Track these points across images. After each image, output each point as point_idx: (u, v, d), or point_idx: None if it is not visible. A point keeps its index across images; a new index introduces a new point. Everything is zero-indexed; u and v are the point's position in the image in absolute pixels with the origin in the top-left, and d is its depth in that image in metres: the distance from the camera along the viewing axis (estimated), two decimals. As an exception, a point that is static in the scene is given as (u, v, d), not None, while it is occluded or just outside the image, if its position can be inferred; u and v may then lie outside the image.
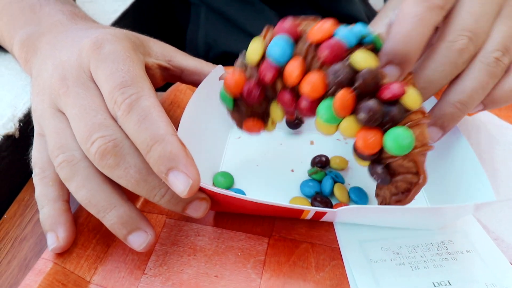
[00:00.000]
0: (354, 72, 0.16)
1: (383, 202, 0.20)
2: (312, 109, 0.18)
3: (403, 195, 0.19)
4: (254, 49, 0.19)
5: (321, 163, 0.26)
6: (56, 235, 0.19)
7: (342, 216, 0.21)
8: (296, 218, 0.23)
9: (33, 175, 0.21)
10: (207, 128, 0.26)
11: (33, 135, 0.22)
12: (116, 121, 0.18)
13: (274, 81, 0.20)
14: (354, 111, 0.17)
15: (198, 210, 0.19)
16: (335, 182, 0.25)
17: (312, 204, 0.23)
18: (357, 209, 0.19)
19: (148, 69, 0.23)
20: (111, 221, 0.18)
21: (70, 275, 0.19)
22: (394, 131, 0.16)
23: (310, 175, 0.26)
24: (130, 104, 0.17)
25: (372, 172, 0.19)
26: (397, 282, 0.19)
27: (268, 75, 0.19)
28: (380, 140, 0.17)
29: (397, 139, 0.16)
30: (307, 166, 0.27)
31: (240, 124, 0.23)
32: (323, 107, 0.17)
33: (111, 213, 0.18)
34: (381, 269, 0.20)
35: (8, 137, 0.26)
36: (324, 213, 0.20)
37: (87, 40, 0.20)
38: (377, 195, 0.21)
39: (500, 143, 0.28)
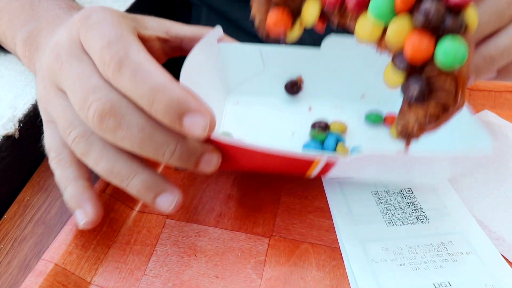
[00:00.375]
0: None
1: (403, 128, 0.18)
2: (362, 4, 0.16)
3: (429, 123, 0.17)
4: None
5: (321, 127, 0.26)
6: (84, 211, 0.19)
7: (351, 167, 0.20)
8: (301, 176, 0.22)
9: (49, 160, 0.21)
10: (203, 93, 0.25)
11: (33, 134, 0.22)
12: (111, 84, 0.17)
13: None
14: (411, 11, 0.15)
15: (210, 163, 0.18)
16: (337, 142, 0.25)
17: None
18: (369, 156, 0.18)
19: (146, 42, 0.22)
20: (136, 187, 0.18)
21: (71, 276, 0.19)
22: (451, 40, 0.14)
23: (313, 136, 0.26)
24: (119, 60, 0.16)
25: (407, 86, 0.17)
26: (397, 283, 0.19)
27: None
28: (432, 47, 0.15)
29: (452, 49, 0.14)
30: (307, 130, 0.27)
31: (263, 16, 0.20)
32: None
33: (134, 180, 0.18)
34: (381, 269, 0.20)
35: (8, 138, 0.25)
36: (332, 164, 0.19)
37: (76, 15, 0.19)
38: (397, 124, 0.19)
39: (502, 141, 0.28)
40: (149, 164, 0.19)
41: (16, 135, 0.26)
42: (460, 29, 0.15)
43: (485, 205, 0.24)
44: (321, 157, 0.18)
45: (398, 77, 0.17)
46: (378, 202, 0.24)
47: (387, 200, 0.24)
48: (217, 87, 0.28)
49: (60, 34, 0.20)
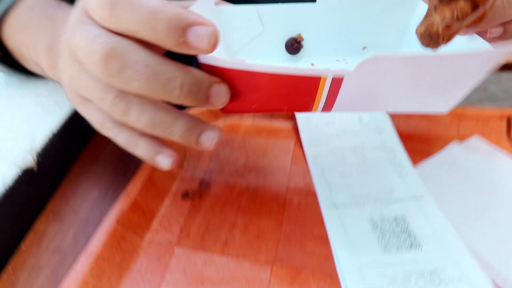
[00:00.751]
0: None
1: (427, 28, 0.18)
2: None
3: (457, 22, 0.17)
4: None
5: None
6: (165, 154, 0.21)
7: (359, 85, 0.18)
8: (308, 108, 0.21)
9: (106, 131, 0.21)
10: None
11: (50, 165, 0.23)
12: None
13: None
14: None
15: (220, 95, 0.18)
16: None
17: None
18: (376, 59, 0.16)
19: None
20: (179, 132, 0.19)
21: (86, 305, 0.20)
22: None
23: None
24: (110, 1, 0.16)
25: None
26: (393, 309, 0.20)
27: None
28: None
29: None
30: None
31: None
32: None
33: (177, 125, 0.18)
34: (378, 296, 0.21)
35: (27, 171, 0.27)
36: (339, 82, 0.18)
37: None
38: (420, 25, 0.18)
39: (491, 167, 0.29)
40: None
41: (35, 168, 0.27)
42: None
43: (475, 231, 0.25)
44: (328, 72, 0.17)
45: None
46: (374, 229, 0.26)
47: (382, 227, 0.26)
48: (218, 51, 0.28)
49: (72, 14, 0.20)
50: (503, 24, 0.21)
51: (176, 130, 0.19)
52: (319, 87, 0.18)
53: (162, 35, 0.15)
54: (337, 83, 0.18)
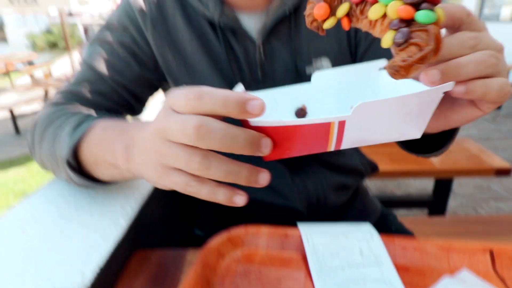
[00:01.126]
0: None
1: (391, 63, 0.25)
2: None
3: (410, 58, 0.24)
4: None
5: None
6: (238, 195, 0.26)
7: (357, 122, 0.25)
8: (325, 147, 0.27)
9: (189, 191, 0.27)
10: None
11: None
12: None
13: None
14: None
15: (267, 145, 0.25)
16: None
17: None
18: (364, 105, 0.24)
19: None
20: (244, 176, 0.25)
21: None
22: (425, 10, 0.23)
23: None
24: (198, 92, 0.24)
25: (395, 36, 0.24)
26: None
27: None
28: (413, 12, 0.24)
29: (425, 13, 0.23)
30: None
31: (311, 10, 0.29)
32: None
33: (242, 171, 0.25)
34: None
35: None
36: (343, 124, 0.25)
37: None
38: (388, 63, 0.25)
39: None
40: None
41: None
42: (431, 7, 0.24)
43: None
44: (334, 119, 0.24)
45: (390, 36, 0.25)
46: None
47: None
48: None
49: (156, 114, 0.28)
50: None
51: (242, 175, 0.25)
52: (330, 130, 0.25)
53: (233, 109, 0.23)
54: (342, 125, 0.25)
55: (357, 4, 0.28)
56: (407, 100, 0.25)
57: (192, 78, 0.55)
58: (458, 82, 0.26)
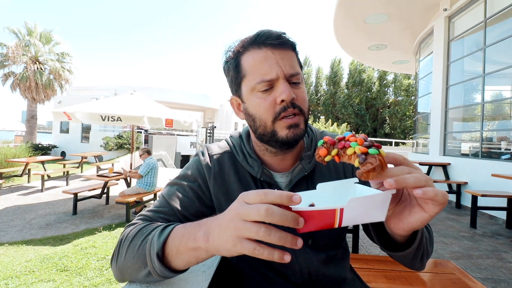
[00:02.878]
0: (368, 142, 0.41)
1: (359, 174, 0.39)
2: (349, 145, 0.41)
3: (365, 167, 0.38)
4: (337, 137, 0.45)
5: None
6: (287, 255, 0.36)
7: (351, 212, 0.37)
8: (332, 225, 0.37)
9: (255, 254, 0.37)
10: None
11: None
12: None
13: (339, 141, 0.43)
14: (362, 144, 0.40)
15: (301, 222, 0.36)
16: None
17: None
18: (354, 200, 0.37)
19: None
20: (289, 241, 0.36)
21: None
22: (372, 149, 0.39)
23: None
24: (263, 193, 0.37)
25: (360, 160, 0.38)
26: None
27: (340, 138, 0.44)
28: (366, 150, 0.39)
29: (373, 150, 0.38)
30: None
31: (318, 151, 0.44)
32: (353, 143, 0.41)
33: (288, 238, 0.36)
34: None
35: None
36: (342, 210, 0.36)
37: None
38: (357, 173, 0.39)
39: None
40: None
41: None
42: (377, 148, 0.40)
43: None
44: (338, 207, 0.36)
45: (357, 160, 0.39)
46: None
47: None
48: None
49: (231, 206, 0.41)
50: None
51: (288, 240, 0.36)
52: (336, 214, 0.37)
53: (285, 199, 0.36)
54: (342, 211, 0.37)
55: (341, 149, 0.43)
56: (375, 197, 0.39)
57: None
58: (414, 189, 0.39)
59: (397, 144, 18.11)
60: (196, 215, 0.65)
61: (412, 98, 22.14)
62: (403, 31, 7.11)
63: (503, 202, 3.78)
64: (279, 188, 0.65)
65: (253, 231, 0.36)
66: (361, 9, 6.23)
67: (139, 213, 0.64)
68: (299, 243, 0.36)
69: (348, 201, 0.36)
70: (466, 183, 4.72)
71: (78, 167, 8.41)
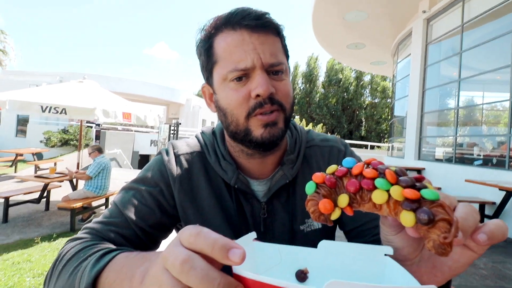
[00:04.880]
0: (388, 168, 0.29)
1: (434, 243, 0.25)
2: (371, 184, 0.28)
3: (447, 233, 0.24)
4: (332, 167, 0.32)
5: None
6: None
7: None
8: None
9: None
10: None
11: None
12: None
13: (342, 178, 0.31)
14: (397, 183, 0.27)
15: None
16: None
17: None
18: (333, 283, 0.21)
19: None
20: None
21: None
22: (426, 189, 0.26)
23: None
24: (197, 232, 0.25)
25: (419, 217, 0.25)
26: None
27: (343, 172, 0.31)
28: (418, 193, 0.26)
29: (428, 191, 0.26)
30: None
31: (315, 206, 0.30)
32: (380, 180, 0.28)
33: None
34: None
35: None
36: None
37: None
38: (427, 244, 0.25)
39: None
40: None
41: None
42: (426, 186, 0.27)
43: None
44: None
45: (410, 216, 0.26)
46: None
47: None
48: (250, 269, 0.30)
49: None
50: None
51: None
52: None
53: (217, 253, 0.24)
54: None
55: (355, 193, 0.29)
56: None
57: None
58: (474, 233, 0.28)
59: (372, 147, 19.13)
60: (156, 227, 0.59)
61: (389, 100, 23.59)
62: (382, 31, 7.54)
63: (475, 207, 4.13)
64: (256, 199, 0.60)
65: None
66: (341, 5, 6.48)
67: (85, 226, 0.57)
68: None
69: (326, 284, 0.22)
70: (439, 188, 5.10)
71: (11, 166, 7.71)
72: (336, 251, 0.35)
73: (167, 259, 0.25)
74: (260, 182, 0.62)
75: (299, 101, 26.70)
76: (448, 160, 5.60)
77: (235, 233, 0.58)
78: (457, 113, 5.49)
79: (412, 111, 6.44)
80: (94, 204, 4.11)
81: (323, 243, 0.36)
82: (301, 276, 0.34)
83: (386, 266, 0.33)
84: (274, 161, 0.62)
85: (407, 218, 0.26)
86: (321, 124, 24.95)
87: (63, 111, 3.89)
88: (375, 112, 25.64)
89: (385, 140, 23.87)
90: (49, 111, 3.86)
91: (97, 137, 11.64)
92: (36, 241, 3.27)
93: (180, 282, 0.24)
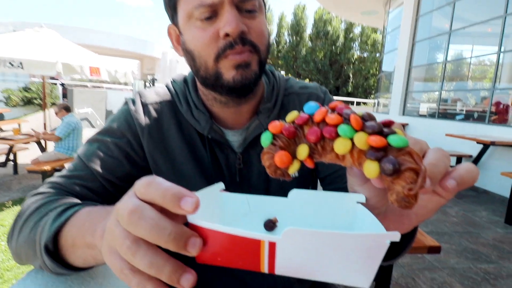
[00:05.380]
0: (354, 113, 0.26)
1: (398, 195, 0.23)
2: (333, 132, 0.26)
3: (413, 184, 0.22)
4: (292, 114, 0.29)
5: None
6: (190, 273, 0.23)
7: (291, 245, 0.22)
8: (257, 267, 0.24)
9: (123, 278, 0.25)
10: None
11: None
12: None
13: (303, 126, 0.28)
14: (362, 129, 0.25)
15: (195, 245, 0.23)
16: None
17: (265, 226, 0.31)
18: (294, 231, 0.21)
19: None
20: (167, 273, 0.23)
21: None
22: (394, 135, 0.24)
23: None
24: (148, 181, 0.24)
25: (383, 167, 0.23)
26: None
27: (304, 119, 0.28)
28: (385, 140, 0.24)
29: (397, 137, 0.23)
30: None
31: (271, 160, 0.28)
32: (343, 127, 0.25)
33: (166, 267, 0.23)
34: None
35: None
36: (275, 244, 0.22)
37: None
38: (390, 197, 0.24)
39: None
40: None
41: None
42: (394, 132, 0.25)
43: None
44: (264, 237, 0.22)
45: (374, 166, 0.24)
46: None
47: None
48: (215, 221, 0.30)
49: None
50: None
51: (165, 271, 0.23)
52: (261, 248, 0.23)
53: (168, 202, 0.23)
54: (272, 247, 0.22)
55: (315, 143, 0.27)
56: (345, 240, 0.21)
57: (179, 180, 0.59)
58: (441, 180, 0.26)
59: (358, 103, 19.36)
60: (125, 179, 0.58)
61: (378, 55, 23.41)
62: (374, -25, 7.15)
63: (453, 161, 4.40)
64: (231, 149, 0.60)
65: (117, 242, 0.24)
66: None
67: (47, 180, 0.56)
68: (186, 280, 0.23)
69: (284, 231, 0.21)
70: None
71: (-31, 128, 7.26)
72: (307, 200, 0.35)
73: (118, 210, 0.25)
74: (235, 132, 0.61)
75: (285, 55, 25.99)
76: (432, 116, 5.79)
77: (210, 184, 0.58)
78: (444, 68, 5.55)
79: (400, 65, 6.45)
80: (67, 166, 4.02)
81: (294, 192, 0.35)
82: (270, 225, 0.34)
83: (357, 214, 0.32)
84: (249, 110, 0.61)
85: (370, 168, 0.24)
86: (307, 80, 24.68)
87: (20, 65, 3.61)
88: (363, 67, 25.50)
89: (372, 96, 24.16)
90: (4, 66, 3.58)
91: (64, 95, 11.07)
92: (7, 205, 3.24)
93: (131, 234, 0.24)
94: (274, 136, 0.28)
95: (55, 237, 0.41)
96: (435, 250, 1.33)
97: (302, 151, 0.28)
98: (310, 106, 0.29)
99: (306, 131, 0.28)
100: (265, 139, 0.29)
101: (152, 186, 0.24)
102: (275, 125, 0.29)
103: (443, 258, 2.38)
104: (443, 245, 2.54)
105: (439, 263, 2.32)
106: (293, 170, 0.28)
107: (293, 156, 0.28)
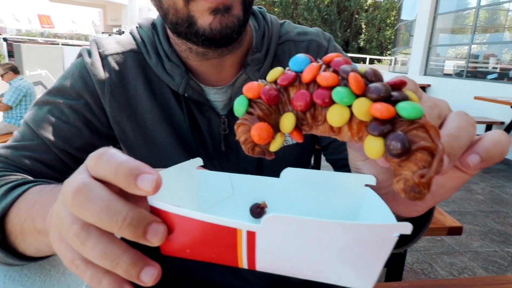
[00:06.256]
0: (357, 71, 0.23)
1: (405, 184, 0.21)
2: (326, 97, 0.22)
3: (426, 169, 0.20)
4: (275, 72, 0.26)
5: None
6: (152, 266, 0.22)
7: (274, 235, 0.21)
8: (234, 261, 0.23)
9: (74, 270, 0.23)
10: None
11: None
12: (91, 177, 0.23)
13: (288, 87, 0.25)
14: (364, 94, 0.21)
15: (157, 233, 0.21)
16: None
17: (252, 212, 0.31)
18: (276, 218, 0.20)
19: None
20: (124, 265, 0.21)
21: None
22: (405, 103, 0.21)
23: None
24: (100, 153, 0.23)
25: (389, 145, 0.20)
26: None
27: (289, 79, 0.24)
28: (393, 109, 0.20)
29: (409, 106, 0.20)
30: None
31: (246, 134, 0.25)
32: (338, 90, 0.22)
33: (123, 258, 0.21)
34: None
35: None
36: (254, 234, 0.21)
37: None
38: (396, 185, 0.21)
39: None
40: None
41: None
42: (407, 98, 0.21)
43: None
44: (242, 226, 0.20)
45: (377, 143, 0.21)
46: None
47: None
48: (190, 206, 0.29)
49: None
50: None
51: (121, 263, 0.21)
52: (237, 239, 0.21)
53: (122, 180, 0.21)
54: (251, 237, 0.21)
55: (304, 112, 0.24)
56: (338, 231, 0.19)
57: (151, 149, 0.58)
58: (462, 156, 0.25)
59: (371, 61, 19.17)
60: (86, 150, 0.55)
61: (396, 0, 22.78)
62: None
63: (481, 129, 4.45)
64: (214, 111, 0.57)
65: (64, 228, 0.23)
66: None
67: None
68: (146, 274, 0.22)
69: (265, 218, 0.20)
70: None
71: None
72: (304, 181, 0.33)
73: (63, 189, 0.23)
74: (218, 90, 0.58)
75: (282, 1, 25.15)
76: (458, 75, 5.78)
77: (190, 155, 0.57)
78: (476, 15, 5.44)
79: (424, 12, 6.29)
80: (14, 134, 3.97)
81: (288, 171, 0.33)
82: (257, 211, 0.33)
83: (364, 200, 0.30)
84: (235, 62, 0.58)
85: (372, 147, 0.21)
86: (310, 32, 24.03)
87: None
88: (377, 16, 24.91)
89: (388, 52, 23.85)
90: None
91: (10, 52, 10.66)
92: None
93: (80, 218, 0.22)
94: (251, 102, 0.25)
95: (1, 222, 0.40)
96: (456, 231, 1.35)
97: (287, 121, 0.25)
98: (298, 60, 0.26)
99: (292, 94, 0.25)
100: (239, 106, 0.25)
101: (102, 160, 0.22)
102: (251, 87, 0.25)
103: (465, 241, 2.47)
104: (466, 226, 2.62)
105: (460, 246, 2.41)
106: (276, 146, 0.26)
107: (275, 128, 0.25)
